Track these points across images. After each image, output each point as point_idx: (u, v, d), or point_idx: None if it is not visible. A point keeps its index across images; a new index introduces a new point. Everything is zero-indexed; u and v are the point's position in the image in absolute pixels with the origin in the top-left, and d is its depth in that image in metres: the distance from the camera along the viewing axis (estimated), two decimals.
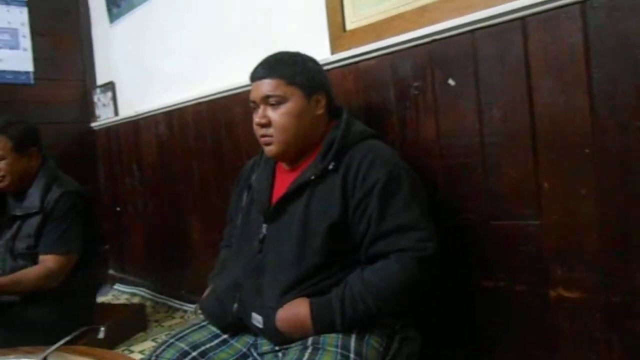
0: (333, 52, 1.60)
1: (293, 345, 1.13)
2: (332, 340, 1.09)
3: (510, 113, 1.21)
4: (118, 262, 3.18)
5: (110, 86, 3.07)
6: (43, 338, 1.48)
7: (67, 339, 1.16)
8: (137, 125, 2.84)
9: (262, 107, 1.24)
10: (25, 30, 3.04)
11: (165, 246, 2.74)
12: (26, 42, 3.04)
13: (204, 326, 1.29)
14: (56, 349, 1.13)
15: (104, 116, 3.15)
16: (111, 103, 3.07)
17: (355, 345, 1.08)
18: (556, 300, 1.18)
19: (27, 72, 3.04)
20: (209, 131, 2.30)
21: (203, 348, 1.23)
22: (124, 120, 2.96)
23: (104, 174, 3.26)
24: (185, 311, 2.49)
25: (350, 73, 1.56)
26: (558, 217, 1.16)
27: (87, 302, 2.09)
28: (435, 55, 1.34)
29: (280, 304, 1.15)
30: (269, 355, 1.19)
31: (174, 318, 2.47)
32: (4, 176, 1.88)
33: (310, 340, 1.11)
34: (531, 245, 1.21)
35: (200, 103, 2.31)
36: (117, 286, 3.07)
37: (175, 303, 2.60)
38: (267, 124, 1.23)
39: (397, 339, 1.19)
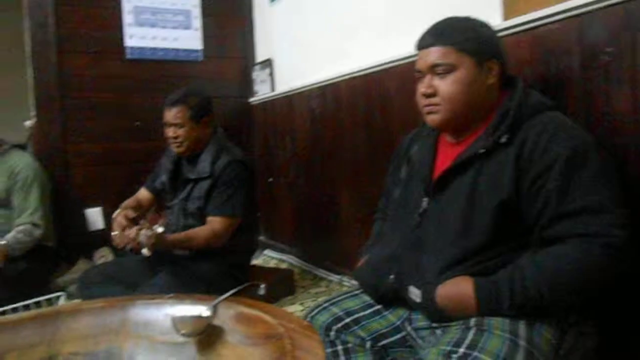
0: (506, 17, 1.47)
1: (453, 324, 1.08)
2: (498, 323, 1.01)
3: None
4: (268, 229, 3.38)
5: (268, 63, 3.23)
6: (204, 288, 1.63)
7: (235, 290, 1.24)
8: (292, 100, 2.95)
9: (428, 76, 1.19)
10: (196, 12, 3.32)
11: (313, 217, 2.83)
12: (197, 22, 3.32)
13: (357, 295, 1.30)
14: (225, 299, 1.21)
15: (261, 92, 3.33)
16: (269, 79, 3.24)
17: (526, 332, 1.00)
18: None
19: (197, 50, 3.33)
20: (362, 105, 2.29)
21: (356, 315, 1.24)
22: (279, 96, 3.09)
23: (258, 146, 3.46)
24: (330, 281, 2.56)
25: (525, 40, 1.42)
26: None
27: (245, 262, 2.26)
28: (636, 15, 1.16)
29: (440, 280, 1.10)
30: (425, 331, 1.15)
31: (319, 286, 2.55)
32: (181, 142, 2.08)
33: (472, 320, 1.04)
34: None
35: (354, 77, 2.31)
36: (266, 252, 3.27)
37: (321, 272, 2.68)
38: (433, 94, 1.18)
39: (571, 333, 1.07)
